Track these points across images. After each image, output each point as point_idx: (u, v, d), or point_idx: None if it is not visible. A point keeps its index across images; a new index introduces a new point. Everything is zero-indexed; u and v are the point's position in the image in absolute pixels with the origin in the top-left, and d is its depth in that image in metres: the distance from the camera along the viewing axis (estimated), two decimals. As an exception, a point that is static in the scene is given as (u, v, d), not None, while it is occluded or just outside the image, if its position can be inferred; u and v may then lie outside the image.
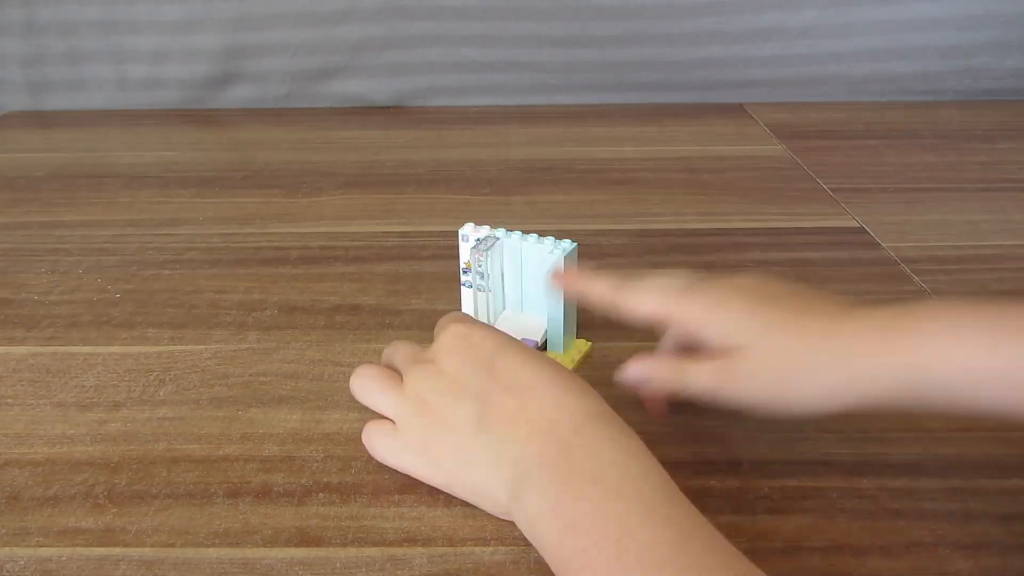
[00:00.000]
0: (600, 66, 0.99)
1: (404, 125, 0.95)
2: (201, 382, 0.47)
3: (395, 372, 0.41)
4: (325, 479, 0.39)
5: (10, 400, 0.46)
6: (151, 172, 0.80)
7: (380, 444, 0.40)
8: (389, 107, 1.01)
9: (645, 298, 0.41)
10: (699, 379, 0.39)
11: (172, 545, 0.36)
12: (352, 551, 0.35)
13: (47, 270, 0.60)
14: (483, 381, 0.37)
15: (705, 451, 0.41)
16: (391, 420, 0.39)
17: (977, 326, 0.33)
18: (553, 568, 0.31)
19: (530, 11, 0.96)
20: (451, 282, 0.58)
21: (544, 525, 0.32)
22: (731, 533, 0.36)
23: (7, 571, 0.34)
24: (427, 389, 0.38)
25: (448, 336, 0.39)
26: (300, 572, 0.34)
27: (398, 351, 0.42)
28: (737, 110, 0.99)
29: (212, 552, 0.35)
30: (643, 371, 0.41)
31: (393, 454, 0.39)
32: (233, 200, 0.73)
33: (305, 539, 0.36)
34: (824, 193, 0.73)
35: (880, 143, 0.87)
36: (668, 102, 1.01)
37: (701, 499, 0.38)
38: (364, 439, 0.40)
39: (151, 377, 0.47)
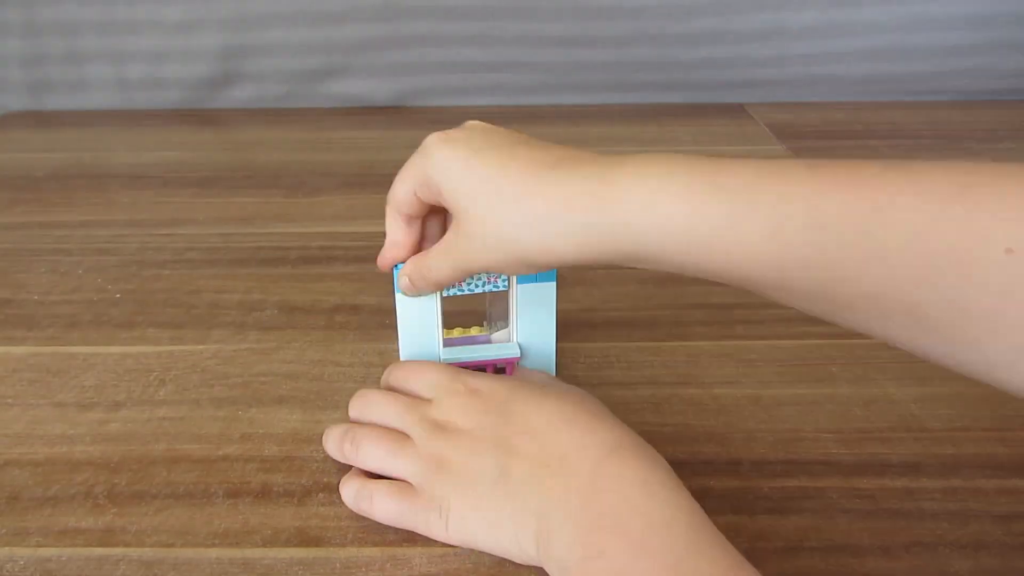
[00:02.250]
0: (600, 66, 0.99)
1: (404, 125, 0.95)
2: (201, 382, 0.47)
3: (395, 431, 0.39)
4: (325, 479, 0.39)
5: (10, 400, 0.46)
6: (151, 172, 0.80)
7: (387, 507, 0.36)
8: (389, 107, 1.01)
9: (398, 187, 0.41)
10: (437, 265, 0.39)
11: (172, 545, 0.36)
12: (352, 551, 0.35)
13: (47, 270, 0.60)
14: (500, 428, 0.36)
15: (705, 451, 0.41)
16: (379, 476, 0.38)
17: (679, 181, 0.31)
18: None
19: (530, 11, 0.96)
20: (451, 282, 0.58)
21: None
22: (731, 533, 0.36)
23: (7, 571, 0.34)
24: (445, 447, 0.36)
25: (454, 396, 0.38)
26: (300, 572, 0.34)
27: (389, 408, 0.40)
28: (737, 110, 0.99)
29: (212, 552, 0.35)
30: (403, 279, 0.42)
31: (406, 517, 0.36)
32: (233, 200, 0.73)
33: (305, 539, 0.36)
34: (824, 193, 0.73)
35: (880, 143, 0.87)
36: (668, 102, 1.01)
37: (701, 499, 0.38)
38: (360, 503, 0.37)
39: (151, 377, 0.47)
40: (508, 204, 0.35)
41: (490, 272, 0.41)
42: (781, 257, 0.29)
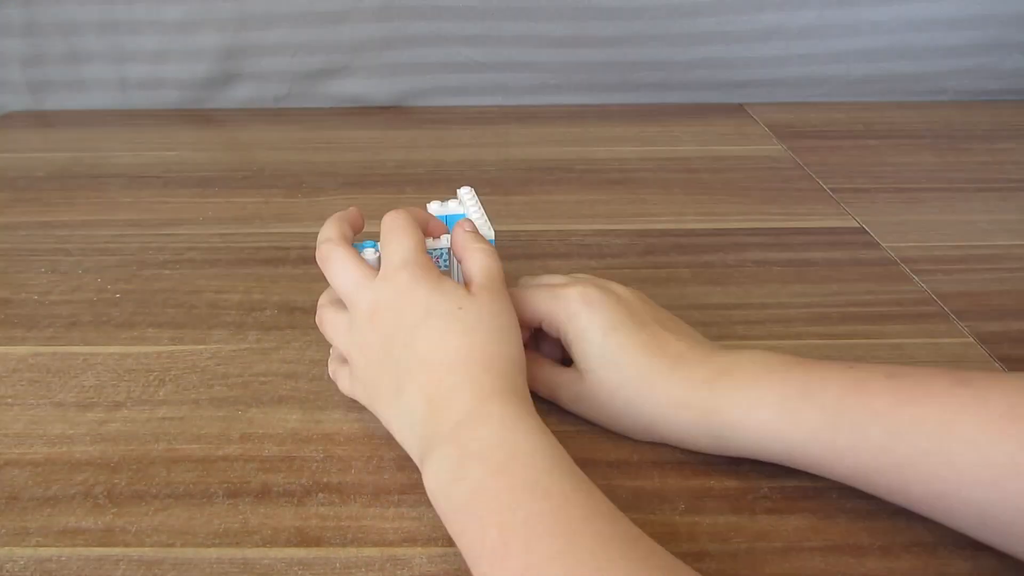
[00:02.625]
0: (600, 66, 0.99)
1: (404, 125, 0.95)
2: (201, 382, 0.47)
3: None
4: (325, 479, 0.39)
5: (10, 400, 0.46)
6: (151, 172, 0.80)
7: (341, 382, 0.44)
8: (389, 107, 1.01)
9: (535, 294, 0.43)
10: (561, 394, 0.43)
11: (172, 545, 0.36)
12: (352, 551, 0.35)
13: (47, 270, 0.60)
14: (404, 349, 0.38)
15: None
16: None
17: (776, 392, 0.37)
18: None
19: (530, 11, 0.96)
20: (451, 282, 0.58)
21: (439, 505, 0.34)
22: (731, 533, 0.36)
23: (7, 571, 0.34)
24: (357, 346, 0.40)
25: (388, 284, 0.40)
26: (300, 572, 0.34)
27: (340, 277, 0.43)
28: (737, 110, 0.99)
29: (212, 552, 0.35)
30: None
31: (352, 392, 0.43)
32: (233, 200, 0.73)
33: (305, 539, 0.36)
34: (824, 193, 0.73)
35: (880, 143, 0.87)
36: (668, 102, 1.01)
37: (701, 499, 0.38)
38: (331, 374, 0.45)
39: (151, 377, 0.47)
40: (631, 387, 0.40)
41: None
42: (862, 463, 0.35)
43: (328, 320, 0.43)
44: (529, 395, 0.37)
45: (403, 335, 0.38)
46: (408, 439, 0.38)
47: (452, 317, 0.38)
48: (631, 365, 0.39)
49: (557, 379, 0.43)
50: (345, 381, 0.44)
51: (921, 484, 0.33)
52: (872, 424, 0.34)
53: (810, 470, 0.37)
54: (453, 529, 0.33)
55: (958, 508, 0.33)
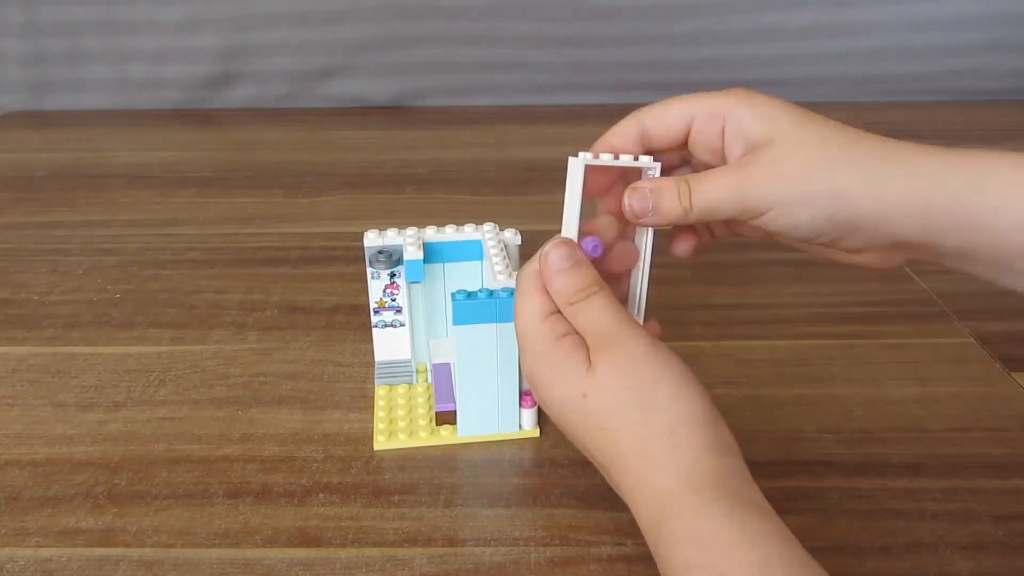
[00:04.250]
0: (600, 66, 0.99)
1: (404, 125, 0.95)
2: (201, 382, 0.47)
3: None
4: (325, 479, 0.39)
5: (10, 400, 0.46)
6: (151, 172, 0.80)
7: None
8: (389, 107, 1.01)
9: (674, 106, 0.36)
10: (715, 185, 0.33)
11: (172, 545, 0.36)
12: (352, 551, 0.35)
13: (47, 270, 0.60)
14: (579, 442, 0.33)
15: (705, 451, 0.41)
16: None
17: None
18: None
19: (530, 11, 0.96)
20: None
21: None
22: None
23: (7, 571, 0.34)
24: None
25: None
26: (300, 572, 0.34)
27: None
28: (737, 110, 0.99)
29: (212, 552, 0.35)
30: (645, 196, 0.35)
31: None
32: (233, 200, 0.73)
33: (305, 539, 0.36)
34: (824, 193, 0.73)
35: (880, 143, 0.87)
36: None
37: (701, 499, 0.38)
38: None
39: (151, 377, 0.47)
40: (840, 147, 0.32)
41: (764, 217, 0.33)
42: None
43: None
44: (731, 463, 0.31)
45: (558, 419, 0.33)
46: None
47: (579, 411, 0.32)
48: (831, 125, 0.33)
49: (724, 168, 0.34)
50: None
51: None
52: None
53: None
54: None
55: None
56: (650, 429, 0.30)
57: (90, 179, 0.79)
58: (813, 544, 0.35)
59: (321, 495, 0.38)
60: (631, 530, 0.36)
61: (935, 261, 0.33)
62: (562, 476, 0.39)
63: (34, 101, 1.01)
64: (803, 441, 0.42)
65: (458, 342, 0.39)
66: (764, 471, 0.39)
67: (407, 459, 0.41)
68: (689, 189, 0.34)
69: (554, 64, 0.99)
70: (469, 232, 0.45)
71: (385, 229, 0.45)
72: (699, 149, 0.35)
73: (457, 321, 0.39)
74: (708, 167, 0.35)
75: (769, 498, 0.38)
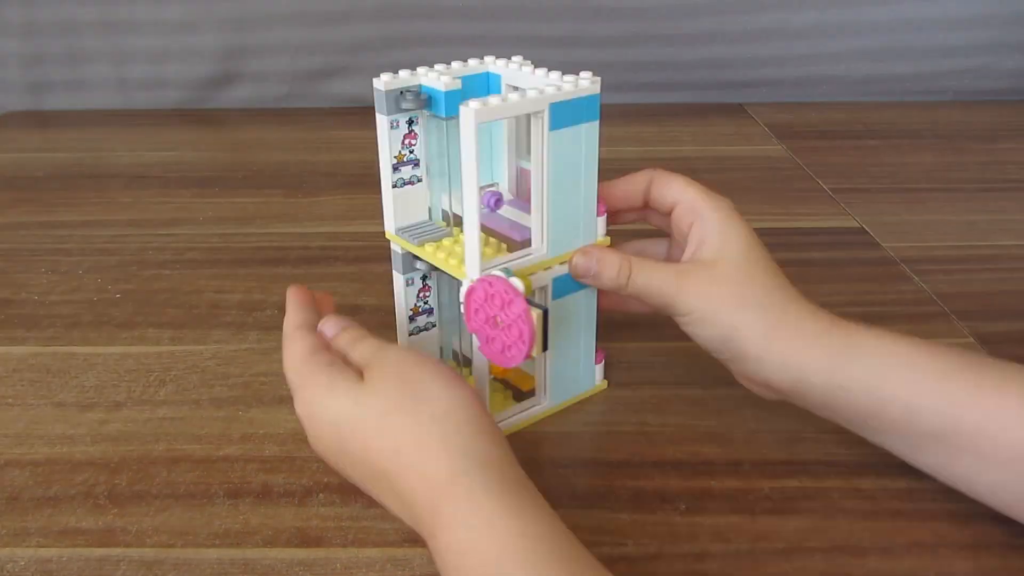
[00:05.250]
0: (600, 66, 0.99)
1: (404, 125, 0.95)
2: (201, 382, 0.47)
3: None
4: (325, 479, 0.39)
5: (10, 400, 0.46)
6: (151, 172, 0.80)
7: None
8: (389, 107, 1.01)
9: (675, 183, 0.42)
10: (653, 276, 0.39)
11: (172, 545, 0.36)
12: (352, 552, 0.35)
13: (47, 270, 0.60)
14: (334, 457, 0.35)
15: (705, 451, 0.41)
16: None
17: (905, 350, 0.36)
18: None
19: (530, 11, 0.96)
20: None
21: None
22: (731, 533, 0.36)
23: (7, 571, 0.34)
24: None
25: (298, 399, 0.36)
26: (300, 572, 0.34)
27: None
28: (737, 110, 0.99)
29: (212, 552, 0.35)
30: (589, 263, 0.40)
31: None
32: (233, 200, 0.73)
33: (305, 540, 0.36)
34: (824, 193, 0.73)
35: (880, 143, 0.87)
36: (668, 102, 1.01)
37: (702, 499, 0.38)
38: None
39: (151, 377, 0.47)
40: (757, 292, 0.38)
41: (679, 317, 0.39)
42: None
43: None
44: (495, 450, 0.32)
45: (331, 453, 0.35)
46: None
47: (354, 418, 0.33)
48: (769, 272, 0.38)
49: (667, 265, 0.39)
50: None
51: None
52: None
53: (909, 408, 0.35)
54: None
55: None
56: (422, 417, 0.32)
57: (90, 179, 0.79)
58: (813, 544, 0.35)
59: (321, 495, 0.38)
60: (631, 530, 0.36)
61: (804, 407, 0.38)
62: (562, 476, 0.39)
63: (34, 101, 1.01)
64: (803, 441, 0.42)
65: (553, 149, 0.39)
66: (765, 471, 0.40)
67: (407, 459, 0.41)
68: (630, 270, 0.39)
69: (554, 64, 0.99)
70: (492, 64, 0.42)
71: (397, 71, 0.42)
72: (674, 226, 0.42)
73: (555, 126, 0.38)
74: (662, 233, 0.44)
75: (769, 498, 0.38)
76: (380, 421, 0.33)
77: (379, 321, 0.53)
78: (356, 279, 0.58)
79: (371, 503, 0.38)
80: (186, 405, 0.45)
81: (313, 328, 0.39)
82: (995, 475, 0.33)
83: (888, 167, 0.80)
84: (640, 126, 0.93)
